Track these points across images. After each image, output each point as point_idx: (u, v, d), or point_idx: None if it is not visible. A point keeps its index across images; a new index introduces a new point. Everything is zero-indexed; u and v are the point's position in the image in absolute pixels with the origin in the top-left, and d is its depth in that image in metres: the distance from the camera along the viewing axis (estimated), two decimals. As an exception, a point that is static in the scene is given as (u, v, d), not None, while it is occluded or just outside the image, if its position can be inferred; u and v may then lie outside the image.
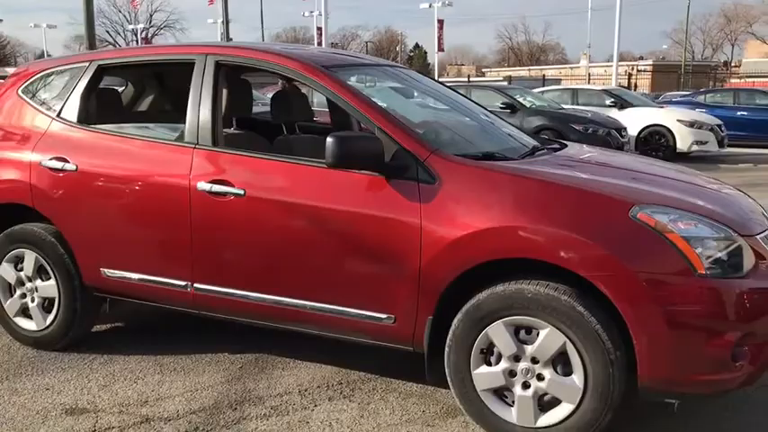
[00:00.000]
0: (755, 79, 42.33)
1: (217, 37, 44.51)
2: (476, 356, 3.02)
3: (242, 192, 3.35)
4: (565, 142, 4.13)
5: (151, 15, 76.86)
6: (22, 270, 4.03)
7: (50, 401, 3.46)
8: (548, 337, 2.87)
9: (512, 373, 2.97)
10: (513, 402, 2.99)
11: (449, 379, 3.10)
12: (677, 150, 14.07)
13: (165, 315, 4.65)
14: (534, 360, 2.92)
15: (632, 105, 15.11)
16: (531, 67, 75.78)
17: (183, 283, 3.58)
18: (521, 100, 13.26)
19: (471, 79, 36.87)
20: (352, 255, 3.20)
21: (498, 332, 2.95)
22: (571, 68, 68.30)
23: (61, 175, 3.79)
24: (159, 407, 3.39)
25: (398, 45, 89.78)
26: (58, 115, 3.94)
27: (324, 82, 3.40)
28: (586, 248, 2.77)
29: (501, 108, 12.69)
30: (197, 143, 3.52)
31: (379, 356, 3.80)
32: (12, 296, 4.10)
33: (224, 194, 3.39)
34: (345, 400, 3.47)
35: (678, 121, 14.25)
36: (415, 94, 4.19)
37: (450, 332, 3.05)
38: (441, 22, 36.84)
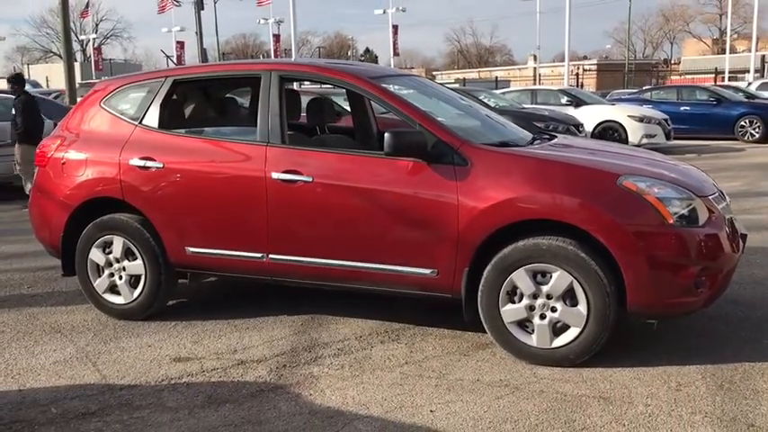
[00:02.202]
0: (694, 76, 44.53)
1: (172, 45, 44.78)
2: (503, 297, 3.95)
3: (310, 179, 4.22)
4: (554, 134, 5.11)
5: (97, 25, 76.36)
6: (110, 253, 4.82)
7: (157, 354, 4.27)
8: (559, 278, 3.81)
9: (531, 308, 3.90)
10: (533, 330, 3.92)
11: (482, 316, 4.03)
12: (629, 143, 15.30)
13: (224, 291, 5.53)
14: (548, 296, 3.86)
15: (586, 103, 16.35)
16: (481, 69, 77.55)
17: (259, 255, 4.42)
18: (486, 101, 14.31)
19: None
20: (402, 224, 4.09)
21: (520, 277, 3.89)
22: (519, 69, 70.26)
23: (149, 171, 4.60)
24: (247, 353, 4.24)
25: (349, 50, 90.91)
26: (141, 122, 4.75)
27: (373, 90, 4.31)
28: (588, 209, 3.73)
29: (468, 109, 13.69)
30: (268, 141, 4.38)
31: (414, 311, 4.74)
32: (100, 276, 4.88)
33: (295, 182, 4.25)
34: (394, 342, 4.37)
35: (629, 116, 15.52)
36: (433, 96, 5.10)
37: (482, 280, 3.97)
38: (395, 27, 37.92)
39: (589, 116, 15.54)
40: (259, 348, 4.31)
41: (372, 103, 5.73)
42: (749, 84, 25.79)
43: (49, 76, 49.43)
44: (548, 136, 4.92)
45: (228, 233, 4.49)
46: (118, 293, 4.85)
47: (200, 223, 4.56)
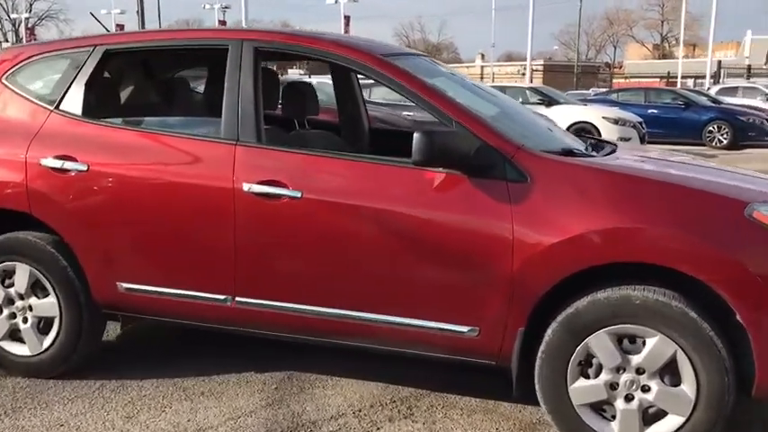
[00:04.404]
0: (638, 79, 44.58)
1: (111, 28, 42.49)
2: (573, 369, 2.80)
3: (298, 194, 2.99)
4: (609, 141, 3.97)
5: (31, 5, 72.46)
6: (10, 287, 3.49)
7: (72, 439, 2.98)
8: (657, 346, 2.69)
9: (613, 386, 2.77)
10: (614, 417, 2.79)
11: (539, 394, 2.87)
12: (602, 147, 14.41)
13: (169, 336, 4.22)
14: (639, 371, 2.73)
15: (558, 103, 15.42)
16: (429, 66, 76.61)
17: (222, 297, 3.17)
18: (456, 97, 13.20)
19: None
20: (431, 262, 2.91)
21: (600, 343, 2.75)
22: (467, 67, 69.74)
23: (68, 175, 3.29)
24: (204, 439, 2.99)
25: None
26: (57, 107, 3.43)
27: (390, 73, 3.08)
28: (705, 250, 2.61)
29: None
30: (238, 139, 3.13)
31: (423, 368, 3.51)
32: (-3, 317, 3.54)
33: (276, 196, 3.02)
34: (407, 420, 3.18)
35: (603, 118, 14.64)
36: (459, 86, 3.86)
37: (544, 344, 2.82)
38: (347, 18, 36.58)
39: (562, 116, 14.55)
40: (220, 431, 3.06)
41: (363, 92, 4.56)
42: (708, 88, 25.42)
43: (-25, 57, 46.38)
44: (603, 144, 3.78)
45: (179, 265, 3.23)
46: (21, 341, 3.53)
47: (138, 250, 3.28)
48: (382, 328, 3.01)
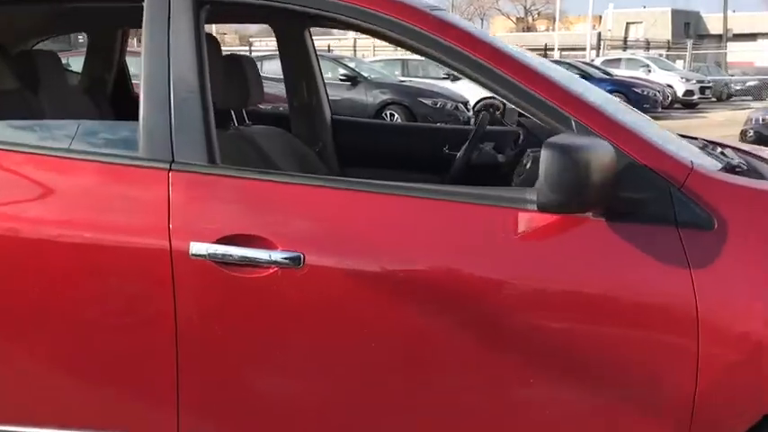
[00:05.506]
0: (510, 51, 45.08)
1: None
2: None
3: (294, 257, 1.64)
4: (717, 141, 2.82)
5: None
6: None
7: None
8: None
9: None
10: None
11: None
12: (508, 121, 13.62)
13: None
14: None
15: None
16: (299, 37, 74.92)
17: (155, 441, 1.79)
18: (359, 71, 11.90)
19: (253, 49, 34.57)
20: (536, 370, 1.67)
21: None
22: (339, 39, 68.51)
23: None
24: None
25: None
26: None
27: (447, 37, 1.77)
28: None
29: (341, 80, 11.28)
30: (172, 159, 1.72)
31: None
32: None
33: (253, 264, 1.65)
34: None
35: (511, 93, 13.84)
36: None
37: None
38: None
39: (469, 92, 13.62)
40: None
41: (332, 72, 3.23)
42: (593, 60, 25.34)
43: None
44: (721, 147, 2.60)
45: (78, 389, 1.81)
46: None
47: (5, 365, 1.82)
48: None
